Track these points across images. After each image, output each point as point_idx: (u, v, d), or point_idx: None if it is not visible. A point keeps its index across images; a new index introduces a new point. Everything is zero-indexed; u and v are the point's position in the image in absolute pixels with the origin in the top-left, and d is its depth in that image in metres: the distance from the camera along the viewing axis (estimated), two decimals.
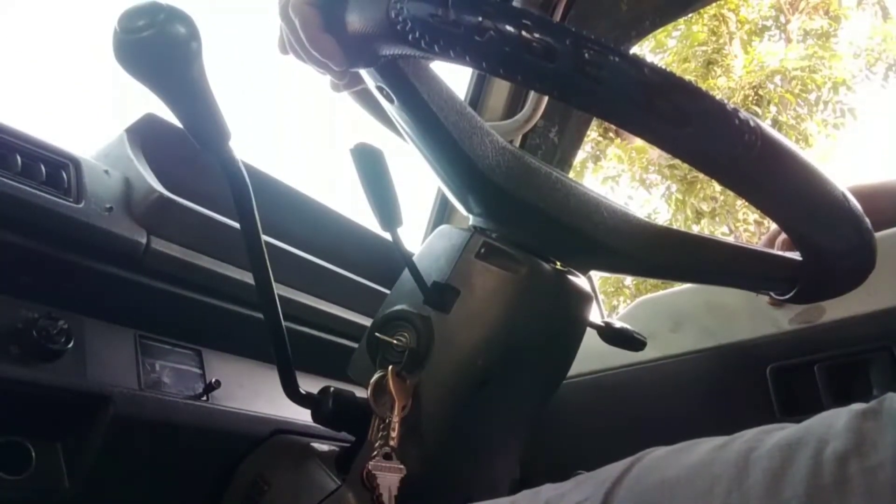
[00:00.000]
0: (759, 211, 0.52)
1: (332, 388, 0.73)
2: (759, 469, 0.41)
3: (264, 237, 0.69)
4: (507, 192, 0.64)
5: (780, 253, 0.67)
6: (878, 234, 0.56)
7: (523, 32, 0.42)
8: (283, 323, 0.71)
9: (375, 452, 0.63)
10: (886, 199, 0.82)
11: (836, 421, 0.43)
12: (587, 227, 0.65)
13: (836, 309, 0.97)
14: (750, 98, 7.45)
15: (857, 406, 0.44)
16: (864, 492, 0.38)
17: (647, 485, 0.45)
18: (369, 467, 0.62)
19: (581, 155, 7.78)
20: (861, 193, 0.56)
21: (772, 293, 0.70)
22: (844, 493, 0.38)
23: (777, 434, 0.44)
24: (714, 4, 7.63)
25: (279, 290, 0.71)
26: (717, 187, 7.38)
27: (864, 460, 0.39)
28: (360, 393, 0.70)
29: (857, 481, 0.38)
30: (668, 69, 0.43)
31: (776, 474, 0.40)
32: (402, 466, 0.63)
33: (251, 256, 0.68)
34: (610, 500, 0.45)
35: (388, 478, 0.62)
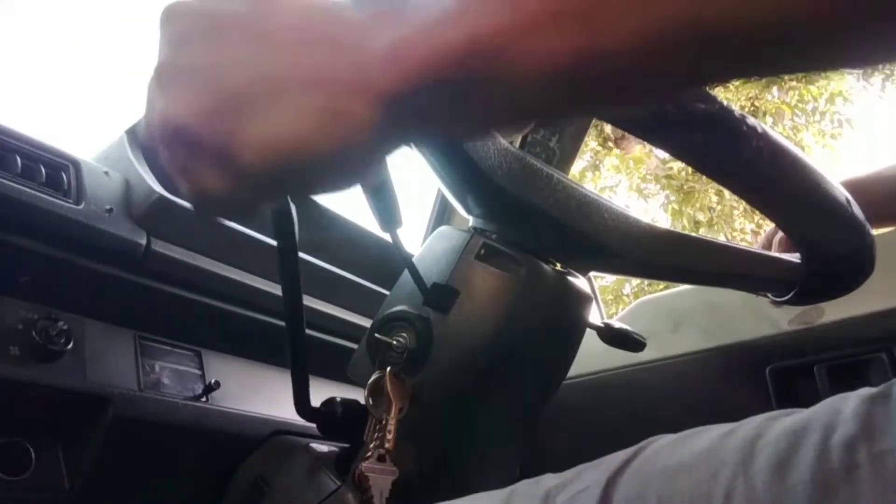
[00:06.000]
0: (761, 213, 0.52)
1: (338, 399, 0.73)
2: (764, 455, 0.40)
3: (264, 237, 0.68)
4: (508, 193, 0.64)
5: (779, 255, 0.67)
6: (877, 235, 0.57)
7: None
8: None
9: (370, 454, 0.63)
10: (880, 188, 0.83)
11: (843, 406, 0.42)
12: (587, 229, 0.65)
13: (836, 310, 0.97)
14: (746, 109, 7.47)
15: (865, 391, 0.43)
16: (873, 477, 0.37)
17: (650, 471, 0.44)
18: (362, 469, 0.61)
19: (581, 164, 7.78)
20: (855, 185, 0.57)
21: (771, 295, 0.71)
22: (852, 478, 0.37)
23: (784, 420, 0.43)
24: None
25: (277, 290, 0.71)
26: (714, 197, 7.38)
27: (872, 445, 0.38)
28: (359, 393, 0.70)
29: (865, 467, 0.37)
30: None
31: (782, 460, 0.40)
32: (395, 469, 0.63)
33: (283, 271, 0.66)
34: (612, 488, 0.44)
35: (381, 479, 0.62)
